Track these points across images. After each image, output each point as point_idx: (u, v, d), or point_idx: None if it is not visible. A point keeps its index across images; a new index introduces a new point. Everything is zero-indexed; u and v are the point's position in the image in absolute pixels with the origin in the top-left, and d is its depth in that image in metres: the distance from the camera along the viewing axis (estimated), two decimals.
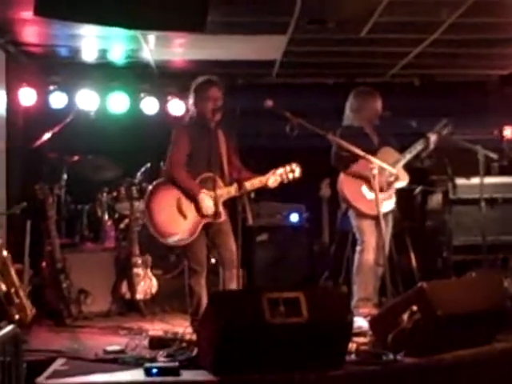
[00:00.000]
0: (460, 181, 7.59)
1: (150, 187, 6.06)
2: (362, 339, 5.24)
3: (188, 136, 5.97)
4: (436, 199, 8.04)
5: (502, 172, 8.05)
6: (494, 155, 6.95)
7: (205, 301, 5.73)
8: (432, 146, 6.56)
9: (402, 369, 4.64)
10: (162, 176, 6.18)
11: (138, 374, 4.45)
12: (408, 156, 6.56)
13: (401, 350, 4.76)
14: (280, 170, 6.03)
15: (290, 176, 6.03)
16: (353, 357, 4.79)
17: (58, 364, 4.73)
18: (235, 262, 5.86)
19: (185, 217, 5.87)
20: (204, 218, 5.88)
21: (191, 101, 6.10)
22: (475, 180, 7.14)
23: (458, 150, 7.13)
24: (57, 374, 4.49)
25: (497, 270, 7.13)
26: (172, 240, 5.90)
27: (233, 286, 5.87)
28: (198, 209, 5.86)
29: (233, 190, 5.88)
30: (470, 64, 8.65)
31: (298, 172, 6.05)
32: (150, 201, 5.94)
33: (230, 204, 6.01)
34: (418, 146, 6.57)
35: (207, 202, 5.85)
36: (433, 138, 6.55)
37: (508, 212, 7.58)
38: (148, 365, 4.48)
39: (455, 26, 7.03)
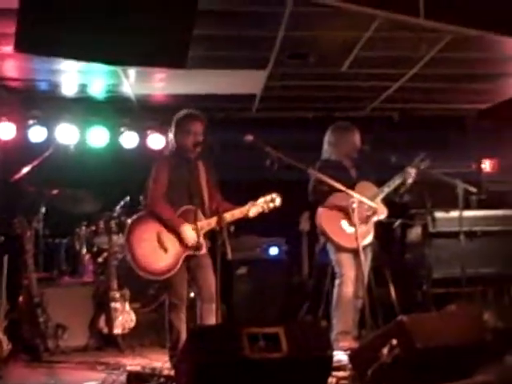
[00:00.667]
0: (439, 214, 7.62)
1: (130, 220, 6.03)
2: (341, 373, 5.20)
3: (168, 168, 5.96)
4: (415, 232, 8.05)
5: (481, 205, 8.11)
6: (472, 189, 6.98)
7: (184, 335, 5.69)
8: (410, 180, 6.59)
9: None
10: (141, 210, 6.15)
11: None
12: (386, 190, 6.58)
13: None
14: (260, 200, 6.02)
15: (271, 205, 6.03)
16: None
17: None
18: (214, 296, 5.82)
19: (165, 250, 5.83)
20: (185, 251, 5.85)
21: (172, 134, 6.10)
22: (454, 213, 7.16)
23: (437, 184, 7.15)
24: None
25: (476, 303, 7.14)
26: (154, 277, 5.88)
27: (212, 320, 5.81)
28: (180, 241, 5.83)
29: (213, 222, 5.85)
30: (449, 98, 8.74)
31: (278, 201, 6.05)
32: (130, 234, 5.89)
33: (210, 238, 5.99)
34: (396, 180, 6.60)
35: (189, 232, 5.82)
36: (411, 171, 6.59)
37: (487, 245, 7.60)
38: None
39: (434, 61, 7.11)
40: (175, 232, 5.84)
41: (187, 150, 6.00)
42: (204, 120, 6.08)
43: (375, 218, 6.53)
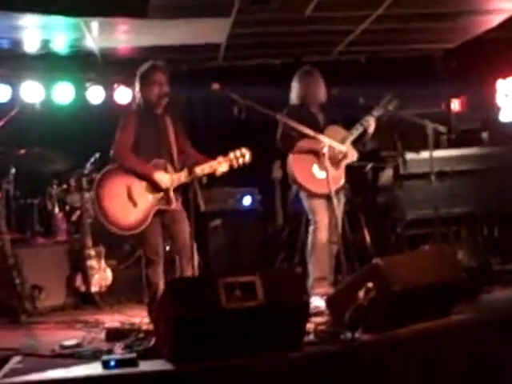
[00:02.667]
0: (410, 155, 7.62)
1: (98, 175, 5.98)
2: (319, 319, 5.20)
3: (135, 122, 5.90)
4: (387, 175, 8.06)
5: (451, 145, 8.14)
6: (442, 128, 6.96)
7: (162, 290, 5.68)
8: (372, 125, 6.55)
9: (360, 346, 4.64)
10: (110, 164, 6.09)
11: (95, 368, 4.36)
12: (355, 133, 6.54)
13: (358, 328, 4.74)
14: (230, 155, 5.97)
15: (240, 161, 5.98)
16: (311, 337, 4.77)
17: (13, 362, 4.63)
18: (191, 250, 5.82)
19: (135, 204, 5.79)
20: (156, 205, 5.82)
21: (137, 88, 6.03)
22: (425, 154, 7.17)
23: (406, 125, 7.14)
24: (13, 373, 4.40)
25: (450, 243, 7.21)
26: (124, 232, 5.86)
27: (189, 273, 5.82)
28: (152, 192, 5.80)
29: (183, 176, 5.82)
30: (416, 39, 8.72)
31: (247, 156, 5.99)
32: (99, 189, 5.83)
33: (182, 193, 5.96)
34: (364, 122, 6.56)
35: (163, 176, 5.80)
36: (378, 112, 6.58)
37: (458, 185, 7.62)
38: (105, 357, 4.40)
39: (399, 1, 7.08)
40: (147, 182, 5.80)
41: (153, 102, 5.94)
42: (166, 70, 6.01)
43: (346, 162, 6.51)
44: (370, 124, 6.56)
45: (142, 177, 5.82)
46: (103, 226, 5.92)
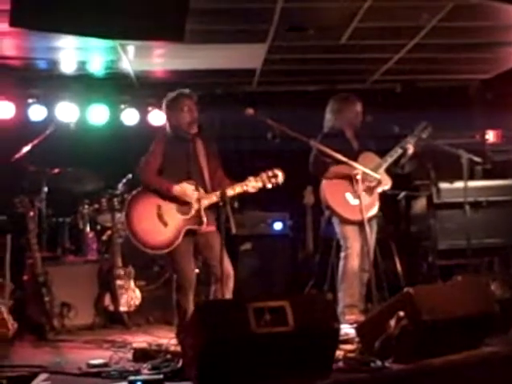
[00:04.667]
0: (444, 185, 7.58)
1: (129, 196, 6.02)
2: (349, 346, 5.18)
3: (163, 146, 5.93)
4: (420, 204, 8.01)
5: (486, 176, 8.06)
6: (477, 159, 6.92)
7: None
8: (410, 149, 6.54)
9: (390, 375, 4.59)
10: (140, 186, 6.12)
11: None
12: (389, 160, 6.53)
13: (388, 357, 4.71)
14: (262, 175, 5.95)
15: (273, 181, 5.94)
16: (340, 364, 4.74)
17: (40, 379, 4.64)
18: (231, 274, 5.80)
19: (165, 224, 5.80)
20: (186, 224, 5.81)
21: (165, 115, 6.07)
22: (459, 184, 7.12)
23: (441, 155, 7.11)
24: None
25: (482, 274, 7.12)
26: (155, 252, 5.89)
27: (226, 296, 5.74)
28: (181, 210, 5.79)
29: (215, 197, 5.80)
30: (452, 69, 8.67)
31: (280, 177, 5.95)
32: (130, 210, 5.87)
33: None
34: (398, 150, 6.55)
35: (188, 189, 5.80)
36: (410, 140, 6.55)
37: (492, 215, 7.55)
38: (132, 378, 4.41)
39: (436, 31, 7.04)
40: (175, 201, 5.80)
41: (183, 129, 5.96)
42: (193, 96, 6.01)
43: (379, 189, 6.49)
44: (408, 147, 6.53)
45: (167, 196, 5.82)
46: (134, 246, 5.94)
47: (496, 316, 5.18)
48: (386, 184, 6.53)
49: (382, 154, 6.60)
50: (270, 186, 5.94)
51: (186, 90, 6.04)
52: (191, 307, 5.81)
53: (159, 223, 5.80)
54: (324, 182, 6.47)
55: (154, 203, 5.84)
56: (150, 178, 5.86)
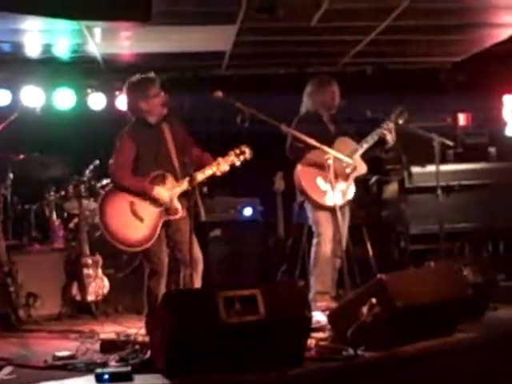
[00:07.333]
0: (415, 169, 7.56)
1: (100, 196, 5.97)
2: (320, 334, 5.12)
3: (130, 141, 5.81)
4: (392, 188, 8.00)
5: (458, 159, 8.04)
6: (449, 142, 6.89)
7: None
8: (388, 136, 6.48)
9: (362, 363, 4.54)
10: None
11: (88, 381, 4.28)
12: (365, 145, 6.49)
13: (361, 345, 4.67)
14: (230, 154, 5.89)
15: (241, 158, 5.90)
16: (312, 353, 4.69)
17: (4, 373, 4.53)
18: (201, 260, 5.76)
19: (141, 220, 5.73)
20: (162, 217, 5.74)
21: (129, 100, 5.92)
22: (431, 168, 7.09)
23: (412, 139, 7.07)
24: None
25: (455, 259, 7.11)
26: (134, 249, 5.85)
27: (198, 284, 5.72)
28: (155, 206, 5.73)
29: (185, 184, 5.70)
30: (423, 51, 8.63)
31: (248, 153, 5.93)
32: (104, 209, 5.78)
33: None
34: (375, 136, 6.50)
35: (162, 192, 5.72)
36: (388, 126, 6.48)
37: (464, 199, 7.57)
38: (99, 370, 4.30)
39: (407, 13, 7.00)
40: (148, 198, 5.72)
41: (152, 112, 5.84)
42: (157, 80, 5.90)
43: (355, 175, 6.42)
44: (386, 134, 6.46)
45: (141, 195, 5.74)
46: (101, 234, 5.83)
47: (469, 301, 5.15)
48: (362, 170, 6.49)
49: (360, 137, 6.52)
50: (238, 163, 5.90)
51: (151, 75, 5.92)
52: (162, 294, 5.72)
53: (135, 220, 5.73)
54: (298, 167, 6.41)
55: (126, 199, 5.75)
56: (124, 181, 5.77)
